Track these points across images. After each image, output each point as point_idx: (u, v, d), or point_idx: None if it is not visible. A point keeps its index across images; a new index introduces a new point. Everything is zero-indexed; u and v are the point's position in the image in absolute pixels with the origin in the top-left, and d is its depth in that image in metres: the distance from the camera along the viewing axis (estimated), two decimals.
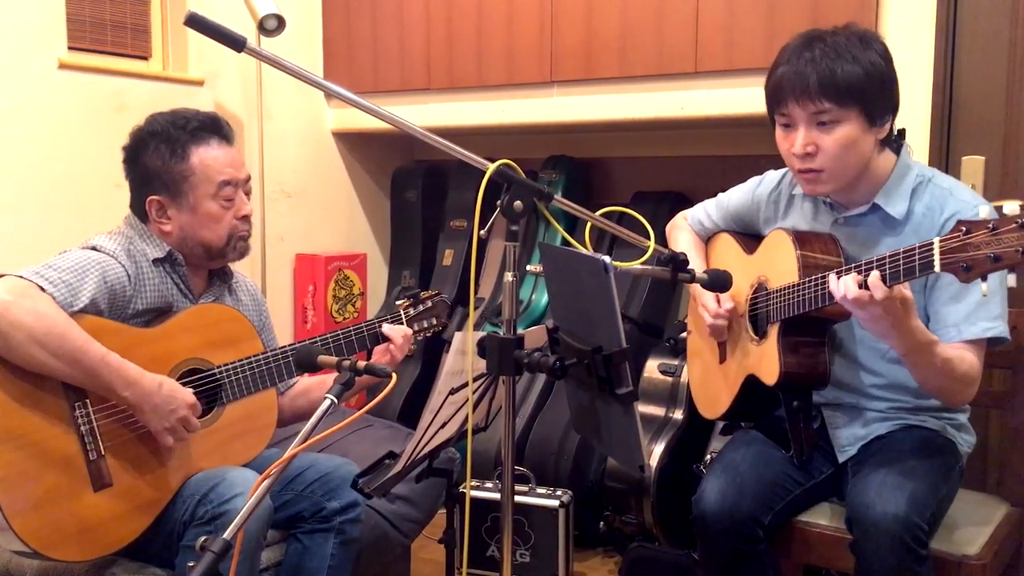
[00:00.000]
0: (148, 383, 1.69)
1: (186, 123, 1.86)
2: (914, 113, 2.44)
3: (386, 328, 1.98)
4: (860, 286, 1.53)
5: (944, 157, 2.50)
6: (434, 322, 2.10)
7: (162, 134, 1.86)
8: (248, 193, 1.94)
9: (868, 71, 1.67)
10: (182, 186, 1.85)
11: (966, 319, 1.69)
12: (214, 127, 1.89)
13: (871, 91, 1.68)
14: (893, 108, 1.74)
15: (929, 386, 1.71)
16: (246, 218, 1.92)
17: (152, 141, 1.86)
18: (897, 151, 1.80)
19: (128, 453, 1.72)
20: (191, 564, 1.25)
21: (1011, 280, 1.40)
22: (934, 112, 2.45)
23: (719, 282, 1.68)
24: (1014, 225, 1.34)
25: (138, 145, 1.88)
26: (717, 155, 3.19)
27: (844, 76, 1.66)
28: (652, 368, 2.87)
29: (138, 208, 1.89)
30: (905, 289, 1.52)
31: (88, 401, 1.69)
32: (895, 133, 1.79)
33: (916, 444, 1.77)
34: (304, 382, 2.09)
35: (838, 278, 1.57)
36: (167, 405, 1.71)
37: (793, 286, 1.74)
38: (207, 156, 1.86)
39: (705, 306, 1.95)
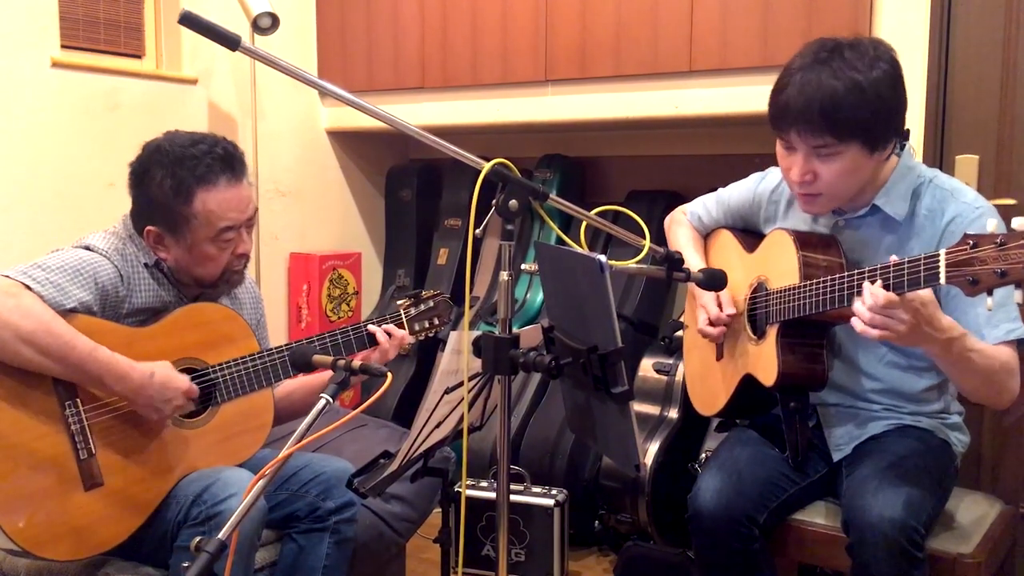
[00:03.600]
0: (139, 375, 1.68)
1: (195, 164, 1.78)
2: (909, 113, 2.43)
3: (374, 328, 1.95)
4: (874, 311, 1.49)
5: (938, 156, 2.50)
6: (436, 322, 2.06)
7: (169, 168, 1.78)
8: (251, 228, 1.89)
9: (874, 106, 1.62)
10: (182, 226, 1.80)
11: (988, 322, 1.66)
12: (225, 165, 1.81)
13: (874, 125, 1.65)
14: (897, 134, 1.71)
15: (973, 384, 1.65)
16: (243, 255, 1.89)
17: (159, 172, 1.79)
18: (900, 151, 1.78)
19: (120, 453, 1.72)
20: (185, 564, 1.25)
21: (1018, 296, 1.38)
22: (928, 111, 2.46)
23: (715, 281, 1.68)
24: (1022, 241, 1.33)
25: (145, 166, 1.81)
26: (711, 154, 3.19)
27: (848, 113, 1.61)
28: (647, 367, 2.87)
29: (136, 226, 1.85)
30: (922, 292, 1.48)
31: (79, 400, 1.68)
32: (898, 145, 1.76)
33: (911, 445, 1.77)
34: (288, 385, 2.05)
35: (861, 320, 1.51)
36: (160, 396, 1.70)
37: (794, 288, 1.73)
38: (211, 201, 1.79)
39: (705, 308, 1.94)
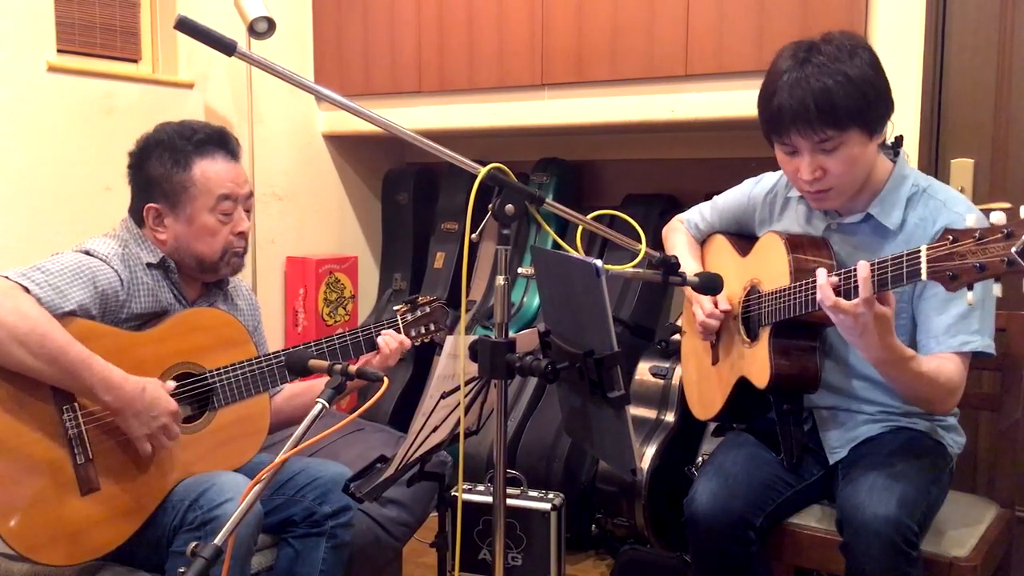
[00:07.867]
0: (131, 388, 1.68)
1: (192, 134, 1.86)
2: (904, 116, 2.45)
3: (380, 339, 1.97)
4: (837, 292, 1.56)
5: (934, 160, 2.51)
6: (432, 328, 2.07)
7: (167, 143, 1.85)
8: (249, 210, 1.92)
9: (864, 91, 1.66)
10: (181, 196, 1.84)
11: (947, 331, 1.70)
12: (220, 141, 1.89)
13: (869, 109, 1.68)
14: (889, 112, 1.74)
15: (907, 396, 1.74)
16: (243, 234, 1.91)
17: (157, 149, 1.86)
18: (895, 157, 1.81)
19: (116, 458, 1.71)
20: (182, 570, 1.25)
21: (997, 290, 1.39)
22: (924, 115, 2.46)
23: (710, 285, 1.68)
24: (999, 235, 1.34)
25: (143, 153, 1.88)
26: (707, 158, 3.20)
27: (843, 103, 1.64)
28: (643, 371, 2.87)
29: (136, 213, 1.88)
30: (886, 307, 1.53)
31: (76, 405, 1.68)
32: (893, 140, 1.79)
33: (906, 446, 1.78)
34: (292, 387, 2.07)
35: (828, 283, 1.58)
36: (149, 411, 1.70)
37: (784, 290, 1.75)
38: (209, 169, 1.85)
39: (700, 303, 1.95)
